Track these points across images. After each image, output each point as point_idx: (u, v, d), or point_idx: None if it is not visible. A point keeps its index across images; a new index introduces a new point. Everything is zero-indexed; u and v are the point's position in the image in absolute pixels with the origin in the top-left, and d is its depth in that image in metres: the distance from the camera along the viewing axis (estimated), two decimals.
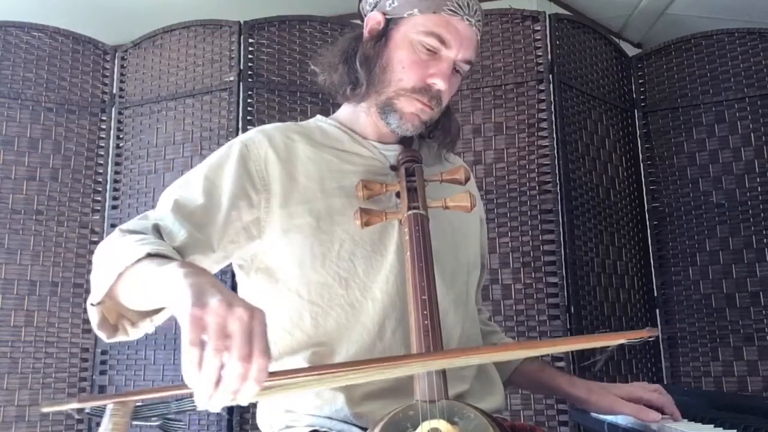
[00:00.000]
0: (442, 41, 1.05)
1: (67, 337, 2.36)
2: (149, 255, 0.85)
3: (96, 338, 2.37)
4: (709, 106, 2.50)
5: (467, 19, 1.06)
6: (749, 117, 2.44)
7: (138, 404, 0.74)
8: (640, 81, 2.65)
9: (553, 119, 2.32)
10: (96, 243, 2.44)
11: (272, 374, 0.70)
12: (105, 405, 0.74)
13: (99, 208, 2.47)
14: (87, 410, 0.75)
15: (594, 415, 1.22)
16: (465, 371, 1.03)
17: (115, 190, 2.48)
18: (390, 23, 1.08)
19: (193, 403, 0.73)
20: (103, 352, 2.37)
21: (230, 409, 2.18)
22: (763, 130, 2.41)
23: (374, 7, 1.11)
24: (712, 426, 1.02)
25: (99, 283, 0.89)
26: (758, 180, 2.38)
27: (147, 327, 0.94)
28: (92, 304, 0.90)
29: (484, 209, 1.36)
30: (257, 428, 1.09)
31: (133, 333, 0.94)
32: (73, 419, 2.32)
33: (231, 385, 0.66)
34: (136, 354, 2.33)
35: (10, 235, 2.34)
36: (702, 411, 1.12)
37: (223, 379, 0.66)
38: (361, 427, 0.96)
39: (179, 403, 0.76)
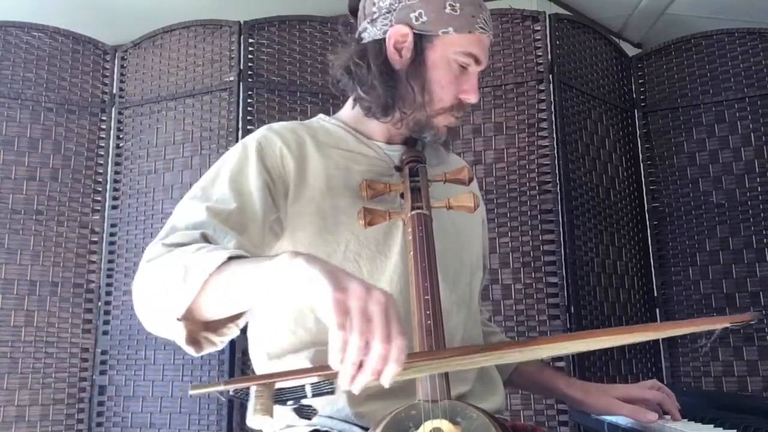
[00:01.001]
0: (476, 59, 1.07)
1: (67, 337, 2.35)
2: (230, 258, 0.82)
3: (96, 338, 2.37)
4: (709, 106, 2.50)
5: (490, 34, 1.10)
6: (749, 117, 2.44)
7: (276, 387, 0.75)
8: (640, 81, 2.65)
9: (553, 119, 2.32)
10: (96, 243, 2.44)
11: (410, 356, 0.73)
12: (248, 387, 0.75)
13: (99, 208, 2.47)
14: (231, 392, 0.76)
15: (594, 415, 1.23)
16: (467, 372, 1.03)
17: (115, 190, 2.48)
18: (423, 40, 1.06)
19: (330, 386, 0.74)
20: (103, 352, 2.37)
21: (230, 409, 2.18)
22: (763, 130, 2.41)
23: (386, 12, 1.08)
24: (712, 426, 1.03)
25: (177, 297, 0.83)
26: (758, 180, 2.38)
27: (233, 332, 0.90)
28: (178, 319, 0.84)
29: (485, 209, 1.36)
30: None
31: (220, 343, 0.90)
32: (73, 419, 2.32)
33: (374, 366, 0.68)
34: (136, 354, 2.32)
35: (10, 235, 2.34)
36: (702, 411, 1.13)
37: (366, 360, 0.68)
38: (362, 427, 0.96)
39: (316, 386, 0.76)
